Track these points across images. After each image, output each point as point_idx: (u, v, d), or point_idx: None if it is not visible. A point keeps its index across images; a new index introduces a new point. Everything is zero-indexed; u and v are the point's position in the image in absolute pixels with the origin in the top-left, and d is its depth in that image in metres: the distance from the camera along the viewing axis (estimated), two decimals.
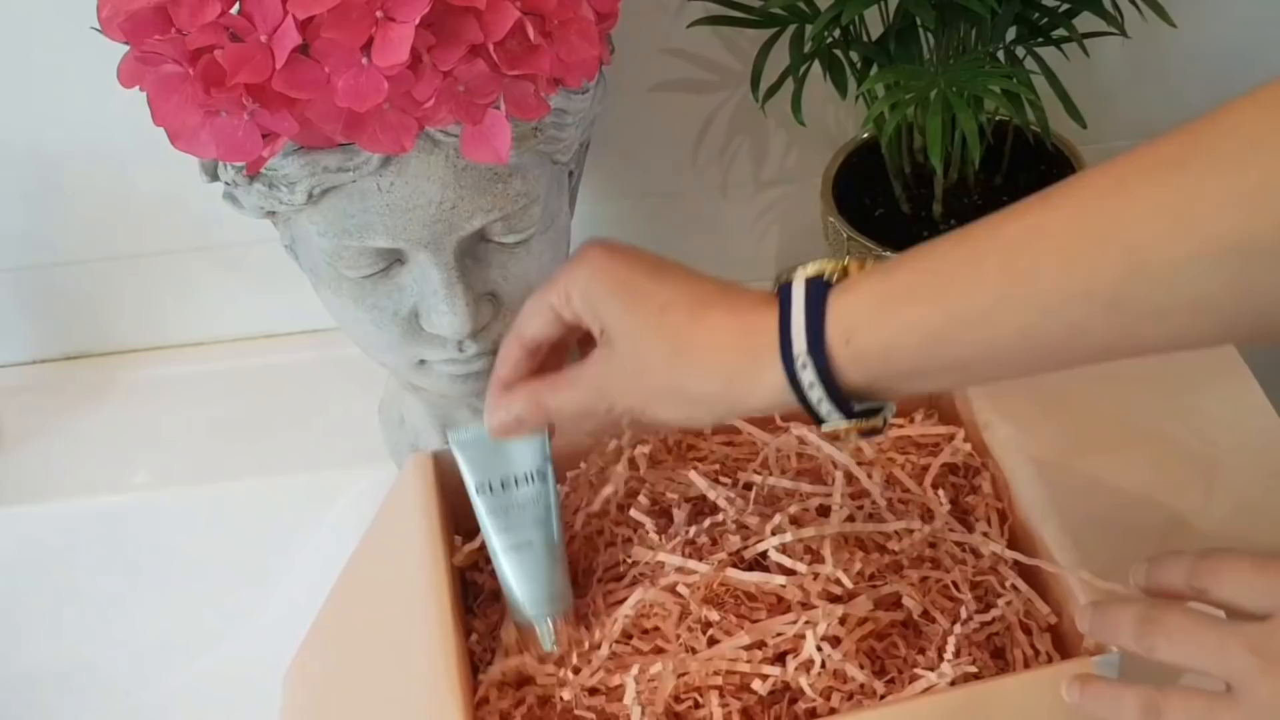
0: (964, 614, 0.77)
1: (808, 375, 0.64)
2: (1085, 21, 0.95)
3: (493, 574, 0.82)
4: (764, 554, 0.80)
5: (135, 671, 1.07)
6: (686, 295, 0.68)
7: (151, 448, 1.12)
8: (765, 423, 0.88)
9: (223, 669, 1.05)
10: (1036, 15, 0.96)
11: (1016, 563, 0.80)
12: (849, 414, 0.65)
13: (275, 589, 1.06)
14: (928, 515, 0.83)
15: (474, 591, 0.85)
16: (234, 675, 1.04)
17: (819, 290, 0.65)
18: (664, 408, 0.69)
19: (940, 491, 0.83)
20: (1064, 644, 0.77)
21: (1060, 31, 0.96)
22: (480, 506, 0.80)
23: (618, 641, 0.77)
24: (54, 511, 1.08)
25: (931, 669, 0.75)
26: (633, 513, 0.82)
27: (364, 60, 0.75)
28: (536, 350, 0.75)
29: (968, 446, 0.85)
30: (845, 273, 0.66)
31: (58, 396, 1.16)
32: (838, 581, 0.77)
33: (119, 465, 1.10)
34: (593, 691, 0.76)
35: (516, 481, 0.80)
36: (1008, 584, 0.79)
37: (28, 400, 1.16)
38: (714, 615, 0.77)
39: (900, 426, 0.88)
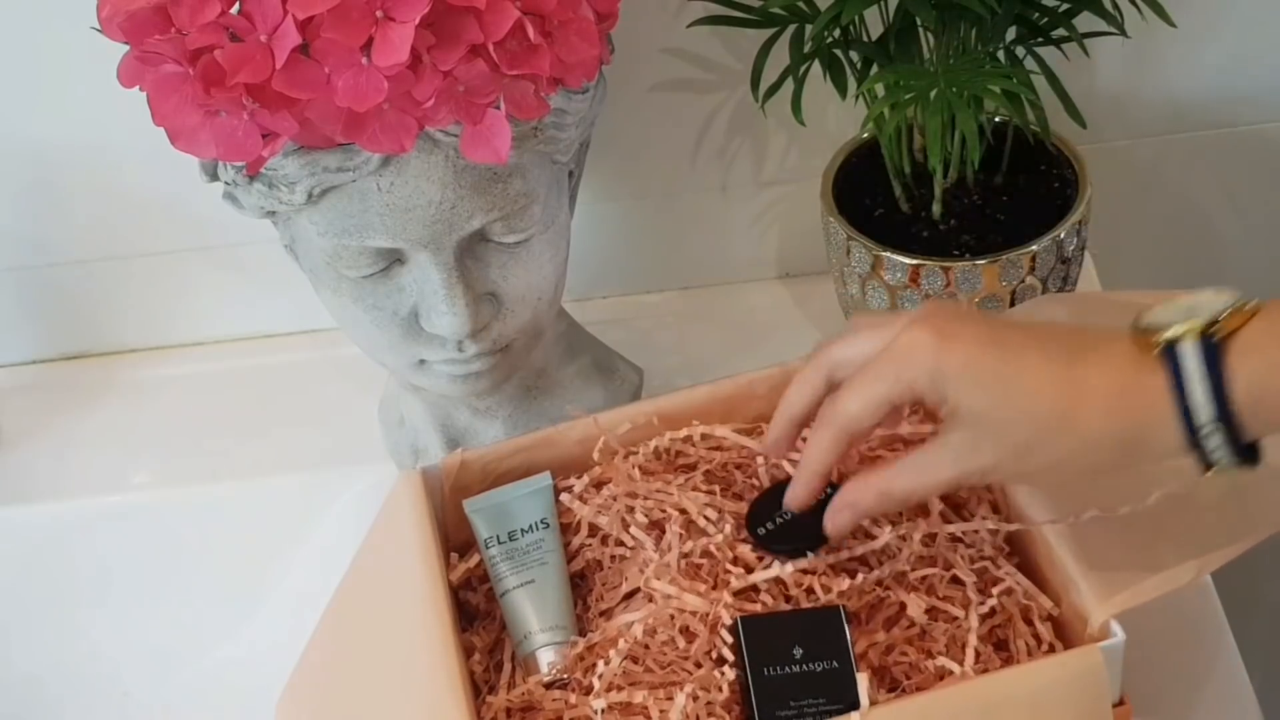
0: (974, 602, 0.78)
1: (1214, 440, 0.65)
2: (1085, 21, 0.95)
3: (488, 594, 0.85)
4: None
5: (135, 671, 1.07)
6: (1045, 363, 0.68)
7: (151, 448, 1.12)
8: (753, 430, 0.88)
9: (223, 668, 1.05)
10: (1036, 15, 0.96)
11: (1012, 554, 0.81)
12: (1241, 458, 0.66)
13: (275, 589, 1.06)
14: (921, 511, 0.83)
15: (469, 611, 0.85)
16: (234, 674, 1.04)
17: (1211, 352, 0.65)
18: (1046, 473, 0.71)
19: None
20: (1065, 633, 0.78)
21: (1060, 31, 0.96)
22: (490, 555, 0.84)
23: (625, 659, 0.77)
24: (54, 511, 1.08)
25: (956, 662, 0.76)
26: (632, 530, 0.83)
27: (364, 60, 0.75)
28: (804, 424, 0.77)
29: None
30: (1228, 325, 0.65)
31: (58, 396, 1.16)
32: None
33: (119, 465, 1.10)
34: (609, 708, 0.76)
35: (523, 530, 0.84)
36: (1006, 576, 0.79)
37: (28, 400, 1.16)
38: (721, 638, 0.77)
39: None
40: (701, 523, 0.82)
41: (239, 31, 0.75)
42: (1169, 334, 0.66)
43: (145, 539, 1.08)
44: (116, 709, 1.06)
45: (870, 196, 1.03)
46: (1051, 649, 0.77)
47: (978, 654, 0.76)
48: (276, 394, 1.14)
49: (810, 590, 0.79)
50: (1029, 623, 0.78)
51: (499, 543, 0.84)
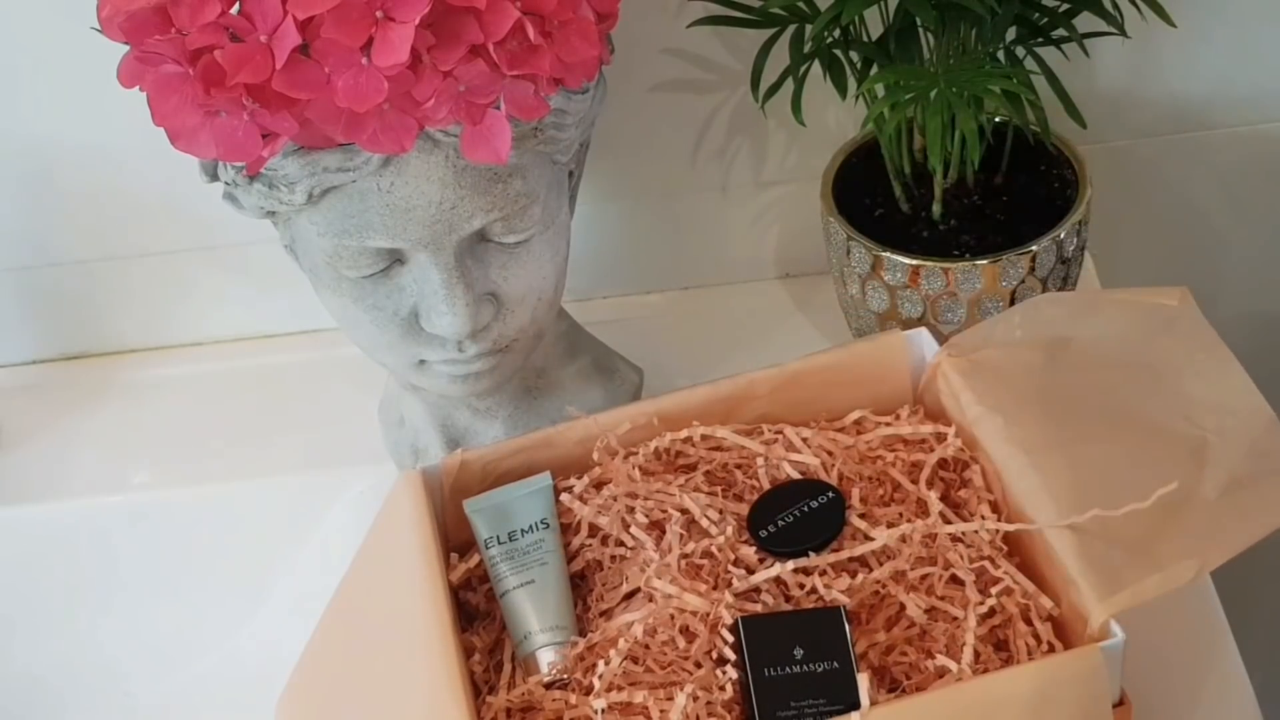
0: (974, 602, 0.78)
1: None
2: (1085, 21, 0.95)
3: (488, 594, 0.85)
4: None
5: (135, 671, 1.07)
6: None
7: (151, 448, 1.12)
8: (753, 430, 0.88)
9: (223, 668, 1.05)
10: (1036, 15, 0.96)
11: (1012, 554, 0.81)
12: None
13: (275, 589, 1.06)
14: (921, 511, 0.83)
15: (469, 611, 0.85)
16: (234, 674, 1.04)
17: None
18: None
19: (931, 488, 0.84)
20: (1065, 633, 0.78)
21: (1060, 31, 0.96)
22: (491, 555, 0.84)
23: (625, 659, 0.77)
24: (54, 511, 1.08)
25: (955, 661, 0.76)
26: (632, 530, 0.83)
27: (364, 60, 0.75)
28: None
29: (958, 442, 0.85)
30: None
31: (58, 396, 1.16)
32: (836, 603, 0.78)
33: (119, 465, 1.10)
34: (609, 708, 0.76)
35: (523, 531, 0.84)
36: (1006, 576, 0.79)
37: (28, 400, 1.16)
38: (722, 638, 0.77)
39: (889, 425, 0.88)
40: (704, 523, 0.82)
41: (239, 31, 0.75)
42: None
43: (145, 539, 1.08)
44: (118, 708, 1.06)
45: (870, 196, 1.03)
46: (1051, 649, 0.77)
47: (977, 654, 0.76)
48: (276, 394, 1.14)
49: (811, 590, 0.79)
50: (1029, 622, 0.78)
51: (499, 543, 0.84)
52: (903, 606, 0.79)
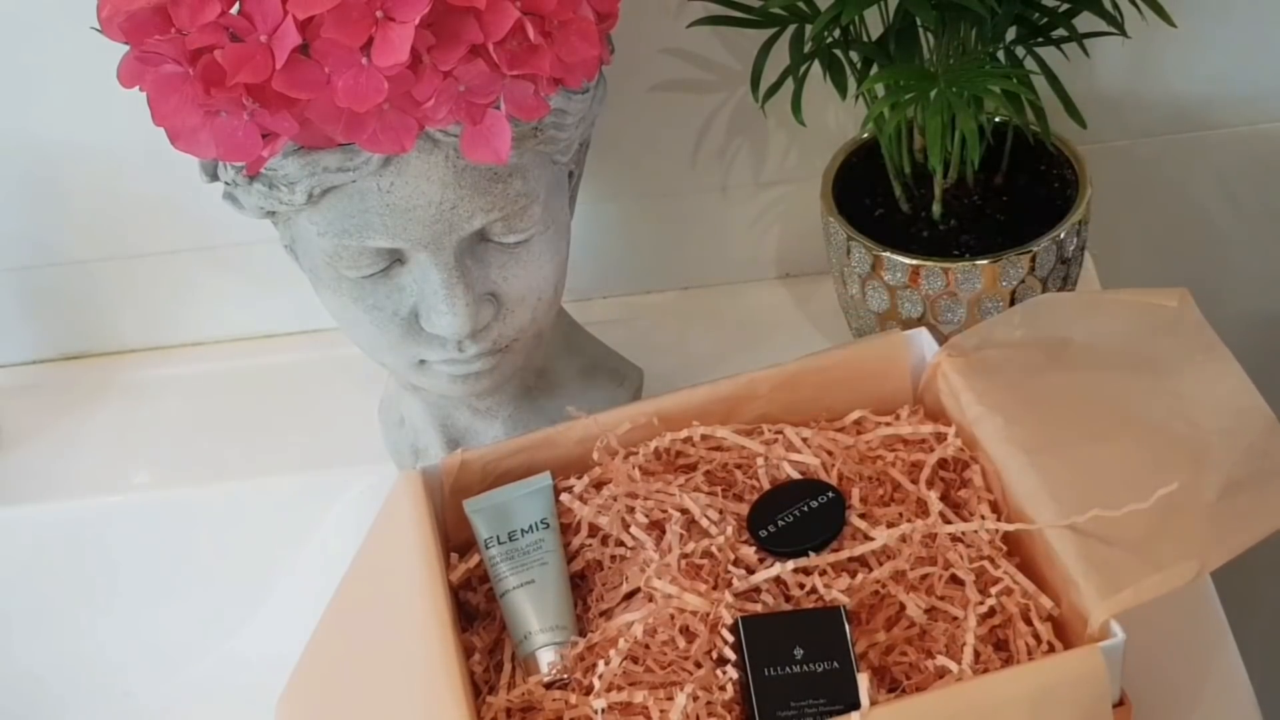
0: (973, 602, 0.78)
1: None
2: (1085, 21, 0.95)
3: (488, 594, 0.85)
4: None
5: (136, 671, 1.07)
6: None
7: (151, 448, 1.12)
8: (753, 430, 0.88)
9: (223, 669, 1.05)
10: (1036, 15, 0.96)
11: (1012, 554, 0.81)
12: None
13: (275, 589, 1.06)
14: (921, 511, 0.83)
15: (469, 611, 0.85)
16: (235, 674, 1.04)
17: None
18: None
19: (931, 488, 0.84)
20: (1065, 633, 0.78)
21: (1060, 31, 0.96)
22: (490, 555, 0.84)
23: (625, 659, 0.77)
24: (54, 511, 1.08)
25: (955, 661, 0.76)
26: (632, 530, 0.83)
27: (364, 60, 0.75)
28: None
29: (958, 442, 0.85)
30: None
31: (58, 396, 1.16)
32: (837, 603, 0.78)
33: (119, 465, 1.10)
34: (609, 708, 0.76)
35: (523, 531, 0.84)
36: (1006, 576, 0.79)
37: (28, 400, 1.16)
38: (722, 638, 0.77)
39: (889, 425, 0.88)
40: (704, 523, 0.82)
41: (239, 31, 0.75)
42: None
43: (145, 539, 1.08)
44: (118, 708, 1.06)
45: (870, 196, 1.03)
46: (1051, 649, 0.77)
47: (977, 654, 0.77)
48: (276, 394, 1.14)
49: (811, 590, 0.79)
50: (1029, 623, 0.78)
51: (499, 543, 0.84)
52: (903, 606, 0.79)
